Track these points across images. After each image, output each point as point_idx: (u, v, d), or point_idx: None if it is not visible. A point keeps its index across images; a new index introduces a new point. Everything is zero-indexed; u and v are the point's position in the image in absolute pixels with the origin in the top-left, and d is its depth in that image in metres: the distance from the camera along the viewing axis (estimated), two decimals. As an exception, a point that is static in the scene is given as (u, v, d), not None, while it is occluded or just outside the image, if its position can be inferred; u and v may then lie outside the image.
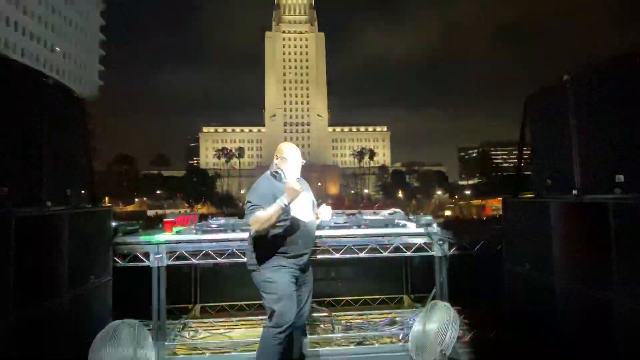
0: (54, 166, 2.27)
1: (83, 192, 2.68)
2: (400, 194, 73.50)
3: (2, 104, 1.90)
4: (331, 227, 3.16)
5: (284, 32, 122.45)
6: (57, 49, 57.61)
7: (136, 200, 60.83)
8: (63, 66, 58.63)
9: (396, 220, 3.36)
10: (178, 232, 3.23)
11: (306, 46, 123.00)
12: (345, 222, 3.21)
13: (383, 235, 3.12)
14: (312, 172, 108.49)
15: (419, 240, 3.17)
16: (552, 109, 2.59)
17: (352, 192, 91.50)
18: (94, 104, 57.45)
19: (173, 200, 62.78)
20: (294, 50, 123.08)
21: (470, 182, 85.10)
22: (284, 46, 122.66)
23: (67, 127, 2.49)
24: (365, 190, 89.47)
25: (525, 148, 3.08)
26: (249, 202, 2.34)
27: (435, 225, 3.24)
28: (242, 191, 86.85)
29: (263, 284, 2.33)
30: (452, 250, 3.19)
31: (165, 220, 3.26)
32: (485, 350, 2.97)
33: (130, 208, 52.71)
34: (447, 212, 55.83)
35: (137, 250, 2.97)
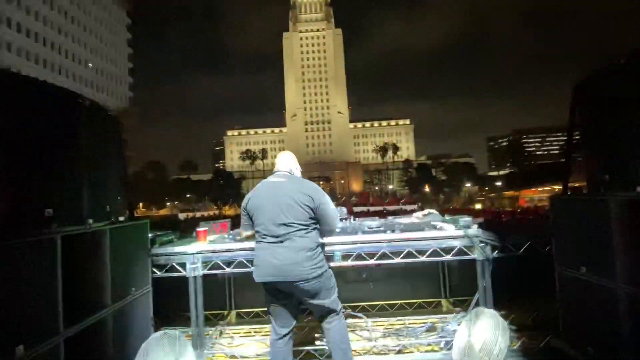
0: (94, 185, 2.35)
1: (121, 206, 2.77)
2: (426, 188, 71.71)
3: (43, 127, 1.97)
4: (364, 232, 3.07)
5: (300, 31, 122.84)
6: (90, 64, 61.32)
7: (167, 204, 63.60)
8: (96, 81, 62.39)
9: (432, 222, 3.20)
10: (212, 241, 3.26)
11: (324, 44, 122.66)
12: (379, 227, 3.10)
13: (419, 240, 2.98)
14: (335, 169, 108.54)
15: (458, 243, 3.00)
16: (607, 95, 2.34)
17: (377, 188, 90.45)
18: (125, 114, 60.65)
19: (202, 203, 65.06)
20: (312, 49, 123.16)
21: (501, 172, 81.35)
22: (301, 45, 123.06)
23: (104, 145, 2.57)
24: (390, 186, 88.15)
25: (572, 136, 2.83)
26: (325, 202, 2.36)
27: (475, 226, 3.05)
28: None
29: (331, 284, 2.42)
30: (495, 253, 2.99)
31: (198, 229, 3.31)
32: (537, 360, 2.76)
33: (162, 212, 55.23)
34: (478, 205, 53.82)
35: (173, 261, 3.03)
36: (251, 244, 3.04)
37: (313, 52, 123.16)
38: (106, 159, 2.61)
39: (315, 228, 2.39)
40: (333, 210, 2.44)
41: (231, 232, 3.37)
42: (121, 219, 2.72)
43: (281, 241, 2.28)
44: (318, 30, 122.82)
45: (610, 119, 2.32)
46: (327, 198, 2.42)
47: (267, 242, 2.33)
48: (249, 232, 2.51)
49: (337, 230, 2.71)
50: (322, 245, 2.48)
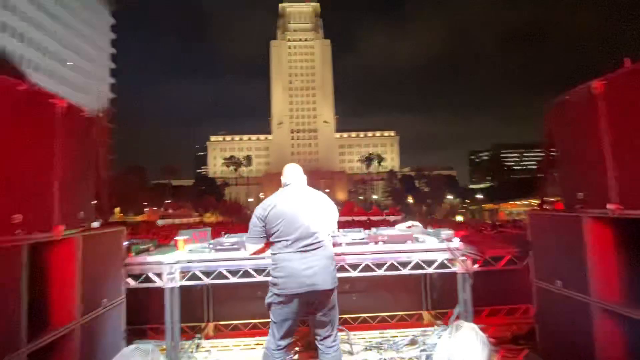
0: (66, 189, 2.24)
1: (95, 213, 2.66)
2: (410, 199, 72.78)
3: (11, 128, 1.88)
4: (348, 244, 3.06)
5: (289, 40, 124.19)
6: (69, 62, 59.45)
7: (146, 210, 61.61)
8: (75, 79, 60.45)
9: (415, 235, 3.23)
10: (190, 250, 3.17)
11: (312, 53, 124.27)
12: (362, 239, 3.11)
13: (403, 252, 3.00)
14: (320, 178, 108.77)
15: (440, 257, 3.04)
16: (582, 115, 2.45)
17: (361, 198, 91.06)
18: (105, 116, 58.86)
19: (182, 210, 63.40)
20: (300, 58, 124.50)
21: (482, 185, 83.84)
22: (289, 54, 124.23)
23: (79, 148, 2.47)
24: (374, 196, 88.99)
25: (549, 153, 2.95)
26: (336, 215, 2.49)
27: (457, 239, 3.11)
28: (250, 199, 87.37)
29: (336, 299, 2.42)
30: (475, 267, 3.05)
31: (177, 238, 3.21)
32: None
33: (140, 218, 53.34)
34: (459, 217, 55.01)
35: (149, 271, 2.92)
36: (231, 254, 2.98)
37: (301, 61, 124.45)
38: (81, 162, 2.50)
39: (330, 237, 2.50)
40: (336, 220, 2.56)
41: (211, 241, 3.29)
42: (95, 224, 2.61)
43: (314, 249, 2.29)
44: (307, 40, 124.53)
45: (583, 138, 2.44)
46: (336, 211, 2.54)
47: (296, 252, 2.27)
48: (260, 245, 2.36)
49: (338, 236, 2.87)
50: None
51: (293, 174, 2.52)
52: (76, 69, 61.34)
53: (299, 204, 2.34)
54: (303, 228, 2.29)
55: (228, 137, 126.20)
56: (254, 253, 2.42)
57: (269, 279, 2.37)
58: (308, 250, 2.28)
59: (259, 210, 2.38)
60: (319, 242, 2.32)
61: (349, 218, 42.13)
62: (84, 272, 2.30)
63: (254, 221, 2.36)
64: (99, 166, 2.75)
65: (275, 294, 2.28)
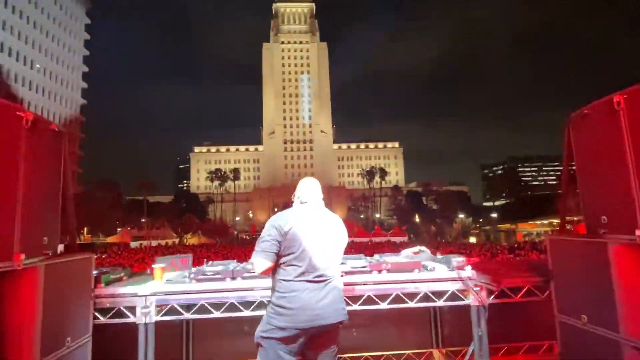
0: (29, 212, 2.22)
1: (61, 235, 2.63)
2: (416, 218, 72.75)
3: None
4: (347, 273, 3.03)
5: (282, 42, 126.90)
6: (37, 65, 59.96)
7: (119, 230, 60.90)
8: (43, 83, 60.78)
9: (423, 262, 3.22)
10: (169, 280, 3.12)
11: (307, 57, 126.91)
12: (363, 267, 3.09)
13: (409, 282, 2.98)
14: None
15: (451, 287, 3.03)
16: (603, 130, 2.50)
17: (362, 216, 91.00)
18: (76, 124, 58.98)
19: (160, 230, 62.75)
20: (294, 62, 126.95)
21: (497, 203, 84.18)
22: (283, 57, 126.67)
23: (46, 165, 2.47)
24: (377, 215, 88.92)
25: (569, 168, 2.99)
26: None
27: (469, 267, 3.10)
28: (238, 218, 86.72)
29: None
30: (491, 298, 3.02)
31: (154, 266, 3.17)
32: None
33: (111, 239, 52.61)
34: (472, 239, 54.91)
35: (121, 304, 2.87)
36: (214, 284, 2.94)
37: (296, 65, 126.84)
38: (47, 181, 2.50)
39: None
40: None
41: (193, 269, 3.25)
42: (60, 247, 2.58)
43: (328, 280, 2.29)
44: (301, 43, 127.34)
45: (605, 155, 2.48)
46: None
47: (308, 282, 2.23)
48: (270, 264, 2.24)
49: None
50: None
51: (311, 190, 2.48)
52: (45, 72, 61.74)
53: (317, 228, 2.32)
54: (319, 256, 2.28)
55: (213, 148, 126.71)
56: (264, 272, 2.28)
57: (267, 310, 2.29)
58: (322, 281, 2.27)
59: (278, 222, 2.27)
60: (333, 272, 2.35)
61: (348, 239, 41.65)
62: (46, 306, 2.25)
63: (272, 233, 2.25)
64: (66, 184, 2.74)
65: (279, 328, 2.19)
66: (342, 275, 2.97)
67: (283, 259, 2.26)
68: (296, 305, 2.20)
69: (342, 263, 2.69)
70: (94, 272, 2.88)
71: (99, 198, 56.03)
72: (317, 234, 2.30)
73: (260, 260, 2.24)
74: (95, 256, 2.95)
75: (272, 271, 2.30)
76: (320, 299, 2.23)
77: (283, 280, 2.26)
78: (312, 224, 2.33)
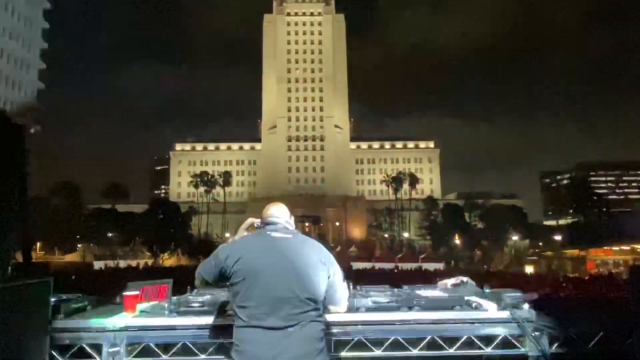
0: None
1: (12, 251, 2.70)
2: (456, 240, 72.00)
3: None
4: (368, 309, 3.04)
5: (289, 14, 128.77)
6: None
7: (79, 246, 61.93)
8: (-8, 63, 62.72)
9: (466, 298, 3.21)
10: (143, 312, 3.16)
11: (319, 33, 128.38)
12: (389, 302, 3.09)
13: (448, 323, 2.97)
14: (328, 206, 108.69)
15: (503, 331, 3.00)
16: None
17: (386, 235, 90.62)
18: (30, 112, 60.49)
19: (130, 247, 63.59)
20: (303, 39, 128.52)
21: (562, 221, 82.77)
22: (288, 33, 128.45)
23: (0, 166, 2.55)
24: (405, 234, 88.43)
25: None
26: (338, 273, 2.53)
27: (526, 305, 3.07)
28: (228, 234, 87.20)
29: None
30: (554, 347, 3.00)
31: (125, 294, 3.22)
32: None
33: (69, 258, 53.58)
34: (529, 268, 54.04)
35: (84, 341, 2.91)
36: (200, 319, 2.97)
37: (304, 42, 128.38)
38: (1, 184, 2.58)
39: (323, 309, 2.46)
40: (343, 285, 2.57)
41: (173, 299, 3.28)
42: (12, 262, 2.65)
43: (288, 327, 2.25)
44: (312, 15, 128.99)
45: None
46: (339, 268, 2.54)
47: (264, 328, 2.24)
48: (213, 286, 2.52)
49: (343, 311, 2.72)
50: None
51: (274, 212, 2.58)
52: (-5, 49, 63.57)
53: (276, 255, 2.35)
54: (278, 293, 2.26)
55: (199, 146, 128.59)
56: (202, 286, 2.63)
57: None
58: (282, 328, 2.23)
59: (223, 252, 2.44)
60: (301, 314, 2.27)
61: (368, 264, 41.77)
62: (-8, 341, 2.30)
63: (217, 259, 2.43)
64: (23, 189, 2.83)
65: None
66: (357, 310, 2.98)
67: (235, 298, 2.36)
68: (246, 359, 2.24)
69: (335, 306, 2.60)
70: (53, 299, 2.93)
71: (54, 206, 57.25)
72: (274, 265, 2.32)
73: (198, 279, 2.52)
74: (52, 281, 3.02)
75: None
76: (277, 353, 2.19)
77: (236, 326, 2.34)
78: (271, 251, 2.37)
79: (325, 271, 2.41)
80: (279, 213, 2.57)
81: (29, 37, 70.19)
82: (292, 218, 2.65)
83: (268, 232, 2.47)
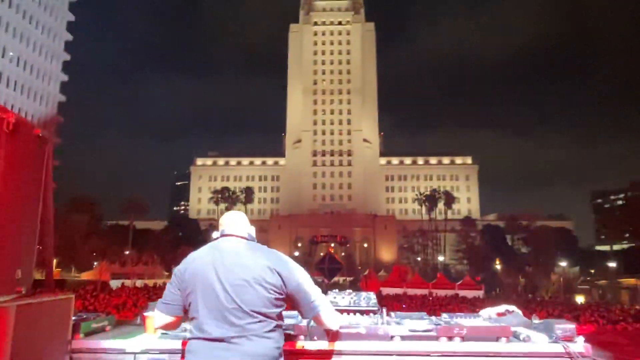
0: (1, 238, 2.39)
1: (35, 269, 2.80)
2: (497, 265, 70.09)
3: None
4: (403, 338, 2.99)
5: (316, 23, 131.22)
6: (11, 53, 65.66)
7: (95, 264, 63.52)
8: (16, 75, 66.22)
9: (512, 328, 3.11)
10: (165, 335, 3.21)
11: (348, 42, 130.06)
12: (427, 331, 3.03)
13: (493, 356, 2.89)
14: (355, 226, 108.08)
15: (555, 366, 2.89)
16: None
17: (418, 258, 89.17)
18: (52, 126, 63.28)
19: (148, 265, 64.78)
20: (331, 49, 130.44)
21: (616, 247, 79.48)
22: (316, 43, 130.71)
23: (25, 182, 2.67)
24: (440, 257, 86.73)
25: None
26: (303, 280, 2.46)
27: (581, 339, 2.96)
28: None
29: None
30: (614, 386, 2.87)
31: (145, 314, 3.28)
32: None
33: (86, 276, 54.94)
34: (579, 298, 51.99)
35: (103, 362, 2.97)
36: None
37: (332, 52, 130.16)
38: (25, 199, 2.70)
39: (281, 324, 2.42)
40: (312, 294, 2.44)
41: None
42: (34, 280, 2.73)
43: (232, 339, 2.27)
44: (341, 24, 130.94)
45: None
46: (304, 273, 2.47)
47: (207, 340, 2.30)
48: (170, 318, 2.50)
49: (324, 322, 2.59)
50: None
51: (229, 223, 2.60)
52: (19, 61, 67.19)
53: (220, 266, 2.37)
54: (222, 304, 2.29)
55: (220, 161, 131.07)
56: (162, 327, 2.57)
57: None
58: (225, 340, 2.25)
59: (180, 266, 2.52)
60: (242, 328, 2.27)
61: (399, 290, 40.94)
62: (13, 358, 2.38)
63: (172, 280, 2.51)
64: (47, 204, 2.95)
65: None
66: (389, 338, 2.93)
67: (189, 314, 2.42)
68: None
69: (269, 319, 2.39)
70: (73, 318, 3.01)
71: (72, 222, 59.11)
72: (218, 274, 2.34)
73: (157, 314, 2.53)
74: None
75: None
76: None
77: (188, 340, 2.41)
78: (215, 261, 2.40)
79: (277, 281, 2.36)
80: (234, 222, 2.61)
81: (52, 49, 73.87)
82: (253, 228, 2.67)
83: (219, 242, 2.53)
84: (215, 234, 2.64)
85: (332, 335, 2.82)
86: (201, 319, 2.33)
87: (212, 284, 2.34)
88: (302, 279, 2.44)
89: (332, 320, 2.59)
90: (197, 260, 2.46)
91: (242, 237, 2.55)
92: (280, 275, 2.37)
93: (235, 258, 2.41)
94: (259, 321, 2.30)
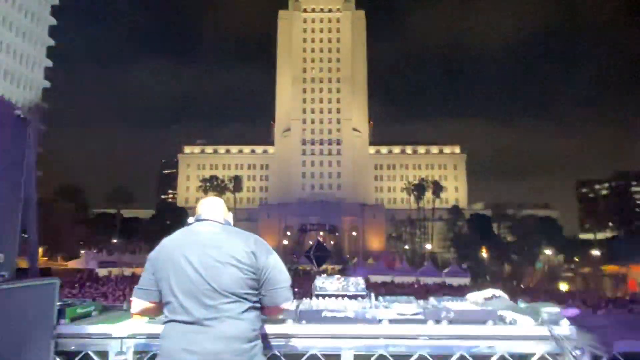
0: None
1: (18, 254, 2.75)
2: (483, 253, 71.01)
3: None
4: (392, 321, 3.00)
5: (305, 10, 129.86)
6: (-7, 38, 63.99)
7: (82, 252, 63.05)
8: (-1, 61, 64.60)
9: (499, 312, 3.14)
10: (153, 320, 3.18)
11: (338, 30, 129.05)
12: (415, 314, 3.04)
13: (479, 338, 2.91)
14: (344, 214, 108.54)
15: (540, 349, 2.93)
16: None
17: (406, 247, 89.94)
18: (37, 113, 62.16)
19: (136, 254, 64.49)
20: (320, 36, 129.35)
21: (600, 235, 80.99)
22: (305, 30, 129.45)
23: (5, 164, 2.60)
24: (428, 246, 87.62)
25: None
26: (275, 265, 2.46)
27: (566, 322, 3.00)
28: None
29: None
30: (598, 368, 2.91)
31: (132, 299, 3.25)
32: None
33: (72, 264, 54.55)
34: (563, 285, 52.94)
35: (89, 347, 2.94)
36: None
37: (321, 40, 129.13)
38: (6, 181, 2.63)
39: (256, 306, 2.41)
40: (284, 281, 2.46)
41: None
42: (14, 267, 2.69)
43: (201, 322, 2.27)
44: (331, 11, 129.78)
45: None
46: (278, 257, 2.48)
47: (181, 322, 2.30)
48: (147, 303, 2.49)
49: (289, 309, 2.67)
50: (264, 336, 2.46)
51: (205, 208, 2.61)
52: (1, 45, 65.52)
53: (194, 249, 2.37)
54: (190, 286, 2.29)
55: (209, 149, 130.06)
56: (139, 313, 2.57)
57: None
58: (198, 323, 2.26)
59: (153, 251, 2.53)
60: (217, 309, 2.26)
61: (387, 278, 41.38)
62: (-4, 344, 2.34)
63: (146, 265, 2.51)
64: (29, 188, 2.88)
65: None
66: (377, 322, 2.94)
67: (163, 298, 2.41)
68: (164, 355, 2.31)
69: (244, 300, 2.37)
70: (58, 303, 2.97)
71: (58, 210, 58.45)
72: (192, 257, 2.34)
73: (134, 300, 2.52)
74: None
75: None
76: (190, 349, 2.21)
77: (164, 324, 2.41)
78: (189, 244, 2.41)
79: (252, 262, 2.35)
80: (210, 207, 2.62)
81: (35, 34, 72.18)
82: (231, 214, 2.68)
83: (193, 227, 2.53)
84: (190, 220, 2.63)
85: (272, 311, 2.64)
86: (175, 303, 2.32)
87: (184, 267, 2.33)
88: (276, 262, 2.45)
89: (290, 307, 2.66)
90: (169, 244, 2.47)
91: (217, 222, 2.54)
92: (255, 257, 2.37)
93: (209, 241, 2.41)
94: (233, 302, 2.29)
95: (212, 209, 2.60)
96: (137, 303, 2.52)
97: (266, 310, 2.50)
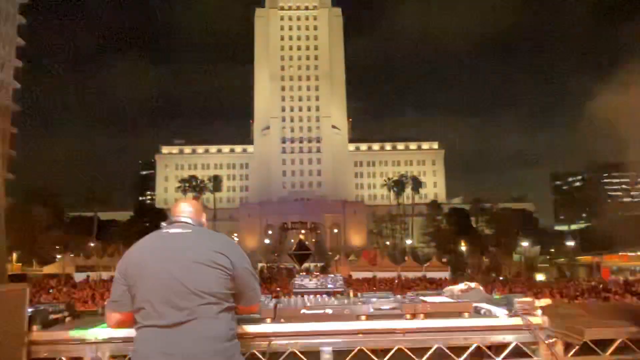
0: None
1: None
2: (462, 247, 72.15)
3: None
4: (370, 316, 3.03)
5: (282, 8, 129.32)
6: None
7: (58, 257, 61.65)
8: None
9: (474, 304, 3.21)
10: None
11: (315, 28, 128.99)
12: (392, 308, 3.08)
13: (455, 331, 2.96)
14: (325, 212, 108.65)
15: (514, 338, 3.00)
16: None
17: (387, 243, 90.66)
18: (7, 115, 60.41)
19: (114, 257, 63.34)
20: (298, 34, 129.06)
21: (574, 227, 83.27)
22: (282, 28, 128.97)
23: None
24: (408, 241, 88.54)
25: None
26: (247, 268, 2.50)
27: (539, 312, 3.07)
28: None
29: None
30: (569, 355, 3.00)
31: (108, 312, 3.20)
32: None
33: (48, 269, 53.33)
34: (540, 276, 54.23)
35: (63, 353, 2.89)
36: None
37: (299, 38, 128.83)
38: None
39: (232, 306, 2.41)
40: (255, 281, 2.53)
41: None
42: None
43: (178, 324, 2.25)
44: (307, 9, 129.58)
45: None
46: (247, 258, 2.51)
47: (155, 327, 2.27)
48: (122, 317, 2.46)
49: (260, 308, 2.75)
50: (242, 335, 2.53)
51: (178, 210, 2.62)
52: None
53: (166, 251, 2.36)
54: (165, 289, 2.28)
55: (187, 149, 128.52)
56: (115, 325, 2.55)
57: None
58: (174, 325, 2.24)
59: (120, 263, 2.48)
60: (193, 310, 2.26)
61: (369, 274, 41.69)
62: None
63: (116, 276, 2.45)
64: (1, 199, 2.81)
65: None
66: (358, 318, 2.96)
67: (135, 304, 2.36)
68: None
69: (220, 301, 2.37)
70: (29, 309, 2.91)
71: (32, 214, 56.99)
72: (164, 260, 2.33)
73: (109, 315, 2.52)
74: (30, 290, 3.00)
75: None
76: (166, 352, 2.19)
77: (136, 330, 2.38)
78: (160, 248, 2.40)
79: (225, 262, 2.35)
80: (181, 210, 2.61)
81: (3, 33, 69.97)
82: (204, 215, 2.70)
83: (164, 230, 2.51)
84: (162, 224, 2.60)
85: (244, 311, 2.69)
86: (148, 308, 2.28)
87: (157, 272, 2.30)
88: (248, 264, 2.48)
89: (258, 309, 2.75)
90: (138, 251, 2.43)
91: (188, 224, 2.53)
92: (228, 258, 2.37)
93: (180, 243, 2.39)
94: (209, 303, 2.28)
95: (183, 212, 2.59)
96: (113, 317, 2.49)
97: (239, 310, 2.52)
